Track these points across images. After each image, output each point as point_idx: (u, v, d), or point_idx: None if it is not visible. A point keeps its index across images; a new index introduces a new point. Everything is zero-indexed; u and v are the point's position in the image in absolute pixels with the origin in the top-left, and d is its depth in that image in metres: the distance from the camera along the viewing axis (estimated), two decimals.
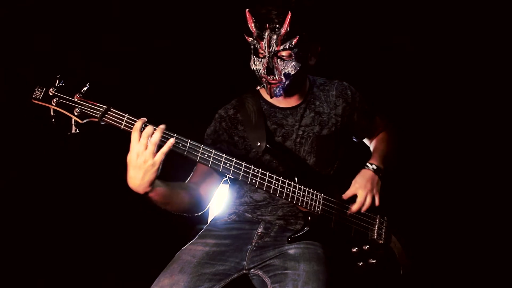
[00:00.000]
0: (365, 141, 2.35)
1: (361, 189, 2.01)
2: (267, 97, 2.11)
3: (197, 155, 1.76)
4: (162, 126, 1.67)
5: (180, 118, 2.82)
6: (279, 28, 1.86)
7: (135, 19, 2.86)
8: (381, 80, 2.99)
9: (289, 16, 1.83)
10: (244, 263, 1.91)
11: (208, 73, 3.02)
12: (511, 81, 2.93)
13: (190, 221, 2.03)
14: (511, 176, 2.95)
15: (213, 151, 1.78)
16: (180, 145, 1.73)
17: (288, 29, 1.85)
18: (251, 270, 1.90)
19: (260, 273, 1.88)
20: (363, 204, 2.02)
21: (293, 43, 1.88)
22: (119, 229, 2.92)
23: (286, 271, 1.81)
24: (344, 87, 2.16)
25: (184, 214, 1.95)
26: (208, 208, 2.83)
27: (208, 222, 2.16)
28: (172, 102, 3.00)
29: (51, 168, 2.76)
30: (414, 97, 3.03)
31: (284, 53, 1.91)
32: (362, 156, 2.15)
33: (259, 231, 2.00)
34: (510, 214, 2.93)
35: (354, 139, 2.29)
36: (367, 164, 2.09)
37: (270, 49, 1.89)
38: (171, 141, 1.67)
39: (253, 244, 1.96)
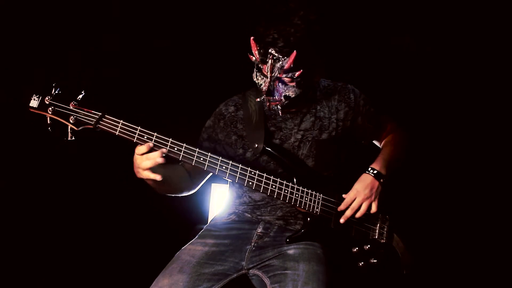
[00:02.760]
0: (376, 143, 2.29)
1: (359, 196, 1.98)
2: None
3: (193, 159, 1.78)
4: (164, 150, 1.75)
5: (178, 119, 2.85)
6: (284, 60, 1.80)
7: (134, 20, 2.85)
8: (385, 82, 2.95)
9: (293, 56, 1.77)
10: (243, 263, 1.92)
11: (206, 73, 3.02)
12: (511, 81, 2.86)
13: (189, 221, 2.05)
14: (511, 174, 2.90)
15: (209, 154, 1.80)
16: (176, 149, 1.76)
17: (292, 65, 1.80)
18: (250, 270, 1.91)
19: (259, 273, 1.90)
20: (356, 211, 1.99)
21: (296, 75, 1.84)
22: (119, 230, 2.95)
23: (285, 271, 1.82)
24: (348, 91, 2.11)
25: (171, 195, 2.03)
26: (208, 208, 2.89)
27: (208, 222, 2.18)
28: (170, 103, 3.01)
29: (50, 172, 2.81)
30: (417, 97, 2.98)
31: (286, 79, 1.87)
32: (366, 159, 2.11)
33: (258, 231, 2.01)
34: (510, 212, 2.89)
35: (363, 143, 2.24)
36: (369, 168, 2.04)
37: (273, 74, 1.83)
38: (163, 150, 1.75)
39: (253, 244, 1.97)
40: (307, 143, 2.04)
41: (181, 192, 2.05)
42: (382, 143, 2.24)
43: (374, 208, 2.01)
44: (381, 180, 2.01)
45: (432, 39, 2.93)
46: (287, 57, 1.78)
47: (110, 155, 2.13)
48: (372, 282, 2.06)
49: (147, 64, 2.95)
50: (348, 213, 1.99)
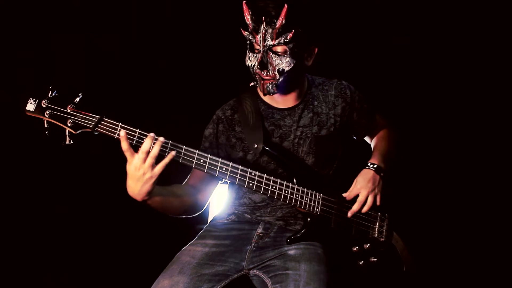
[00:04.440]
0: (366, 139, 2.32)
1: (363, 189, 2.00)
2: (265, 97, 2.09)
3: (193, 161, 1.77)
4: (161, 139, 1.69)
5: (176, 120, 2.84)
6: (275, 22, 1.84)
7: (132, 20, 2.84)
8: (380, 79, 2.95)
9: (285, 9, 1.81)
10: (244, 263, 1.92)
11: (204, 74, 3.00)
12: (511, 81, 2.87)
13: (189, 221, 2.04)
14: (511, 174, 2.91)
15: (209, 156, 1.79)
16: (175, 151, 1.73)
17: (284, 21, 1.82)
18: (251, 271, 1.91)
19: (260, 273, 1.90)
20: (363, 204, 2.01)
21: (288, 37, 1.86)
22: (119, 231, 2.95)
23: (287, 272, 1.82)
24: (343, 87, 2.13)
25: (181, 217, 1.99)
26: (208, 208, 2.87)
27: (208, 223, 2.17)
28: (169, 105, 3.00)
29: (49, 176, 2.81)
30: (414, 96, 2.99)
31: (279, 48, 1.89)
32: (362, 156, 2.13)
33: (258, 232, 2.01)
34: (510, 211, 2.90)
35: (354, 138, 2.27)
36: (368, 163, 2.07)
37: (265, 43, 1.87)
38: (172, 153, 1.70)
39: (253, 244, 1.97)
40: (307, 139, 2.04)
41: (190, 208, 1.98)
42: (374, 138, 2.27)
43: (378, 202, 2.03)
44: (381, 174, 2.04)
45: (429, 38, 2.93)
46: (277, 19, 1.82)
47: (109, 157, 2.11)
48: (372, 280, 2.06)
49: (145, 66, 2.94)
50: (356, 207, 2.00)
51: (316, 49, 2.02)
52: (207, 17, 2.91)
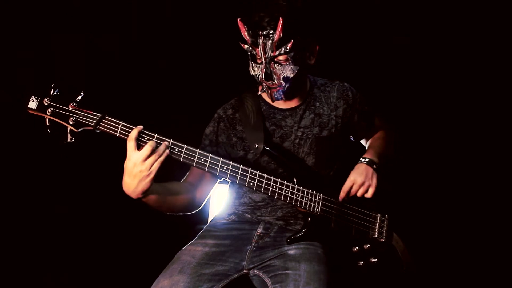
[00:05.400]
0: (362, 141, 2.33)
1: (355, 183, 2.00)
2: (266, 97, 2.10)
3: (194, 160, 1.77)
4: (166, 142, 1.71)
5: (177, 120, 2.84)
6: (273, 34, 1.84)
7: (132, 20, 2.85)
8: (380, 79, 2.96)
9: (280, 22, 1.81)
10: (244, 263, 1.92)
11: (206, 74, 3.01)
12: (511, 81, 2.88)
13: (189, 221, 2.05)
14: (511, 174, 2.92)
15: (210, 155, 1.80)
16: (176, 150, 1.75)
17: (281, 35, 1.83)
18: (251, 271, 1.91)
19: (260, 273, 1.90)
20: (349, 192, 2.00)
21: (288, 47, 1.86)
22: (119, 230, 2.95)
23: (287, 272, 1.82)
24: (345, 88, 2.14)
25: (178, 214, 1.99)
26: (208, 208, 2.88)
27: (208, 223, 2.17)
28: (170, 104, 3.01)
29: (50, 174, 2.81)
30: (415, 96, 3.00)
31: (280, 58, 1.90)
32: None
33: (258, 232, 2.01)
34: (510, 210, 2.91)
35: (351, 139, 2.27)
36: (361, 158, 2.08)
37: (266, 55, 1.88)
38: (167, 151, 1.71)
39: (253, 244, 1.97)
40: (308, 140, 2.04)
41: (187, 206, 2.00)
42: (370, 139, 2.28)
43: (370, 193, 2.02)
44: (374, 167, 2.04)
45: (429, 38, 2.94)
46: (274, 32, 1.83)
47: (110, 156, 2.12)
48: (372, 281, 2.06)
49: (146, 64, 2.95)
50: (343, 194, 2.00)
51: (318, 47, 2.03)
52: (207, 17, 2.92)
